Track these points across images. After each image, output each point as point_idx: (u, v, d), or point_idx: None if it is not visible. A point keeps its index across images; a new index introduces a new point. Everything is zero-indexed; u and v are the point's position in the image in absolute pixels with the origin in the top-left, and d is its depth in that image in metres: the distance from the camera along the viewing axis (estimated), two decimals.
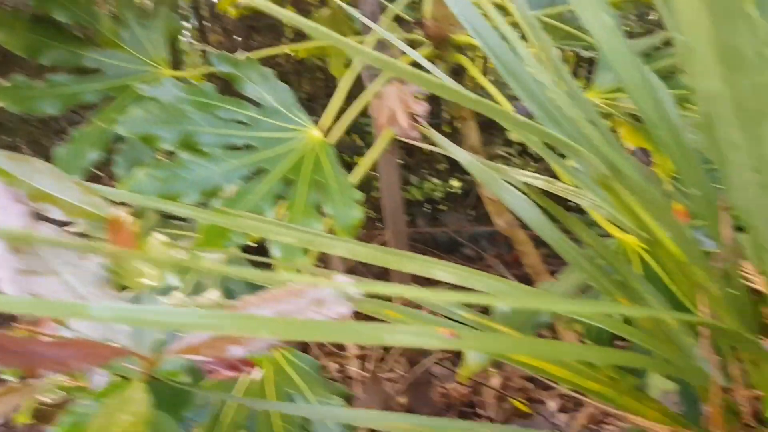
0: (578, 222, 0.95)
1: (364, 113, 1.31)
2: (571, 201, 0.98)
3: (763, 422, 0.68)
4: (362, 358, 2.06)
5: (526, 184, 0.99)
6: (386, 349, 2.23)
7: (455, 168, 3.10)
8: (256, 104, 1.23)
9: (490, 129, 2.77)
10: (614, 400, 0.73)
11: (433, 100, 1.63)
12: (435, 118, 2.81)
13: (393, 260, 0.78)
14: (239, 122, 1.20)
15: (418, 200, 2.97)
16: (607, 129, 0.84)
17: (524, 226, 2.03)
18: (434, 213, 3.27)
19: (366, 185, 1.76)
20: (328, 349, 2.26)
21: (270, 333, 0.37)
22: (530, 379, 2.13)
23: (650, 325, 0.83)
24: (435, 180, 3.15)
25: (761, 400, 0.67)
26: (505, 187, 0.98)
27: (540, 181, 0.98)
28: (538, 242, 2.12)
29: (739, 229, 0.63)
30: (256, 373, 1.03)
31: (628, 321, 0.85)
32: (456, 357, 2.38)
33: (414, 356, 1.96)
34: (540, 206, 0.93)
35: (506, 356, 0.76)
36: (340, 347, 2.21)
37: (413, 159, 3.06)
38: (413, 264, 0.77)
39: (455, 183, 3.27)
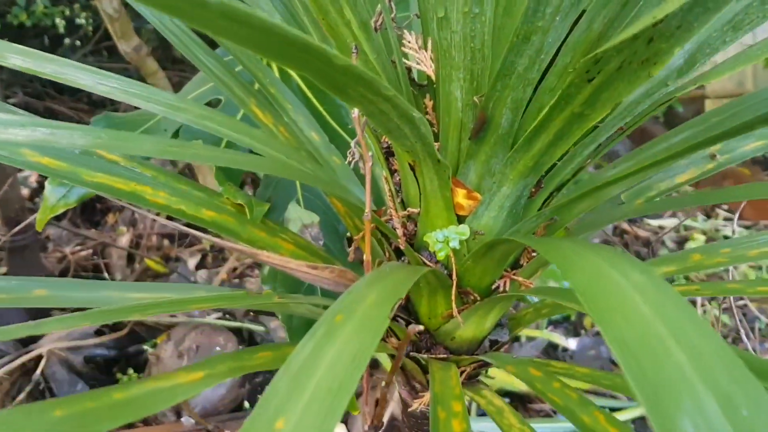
0: None
1: None
2: None
3: (413, 246, 0.56)
4: None
5: None
6: None
7: None
8: None
9: None
10: (238, 232, 0.54)
11: None
12: None
13: None
14: None
15: (26, 26, 2.36)
16: None
17: (155, 54, 1.71)
18: (53, 48, 2.68)
19: None
20: None
21: None
22: (167, 236, 1.90)
23: (293, 141, 0.65)
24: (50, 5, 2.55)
25: (415, 220, 0.54)
26: None
27: None
28: (174, 80, 1.79)
29: None
30: None
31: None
32: (81, 217, 2.02)
33: (17, 217, 1.56)
34: None
35: (97, 183, 0.51)
36: None
37: None
38: None
39: (80, 12, 2.70)
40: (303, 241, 0.60)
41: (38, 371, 1.32)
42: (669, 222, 2.32)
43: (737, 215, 0.84)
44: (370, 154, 0.42)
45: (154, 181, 0.51)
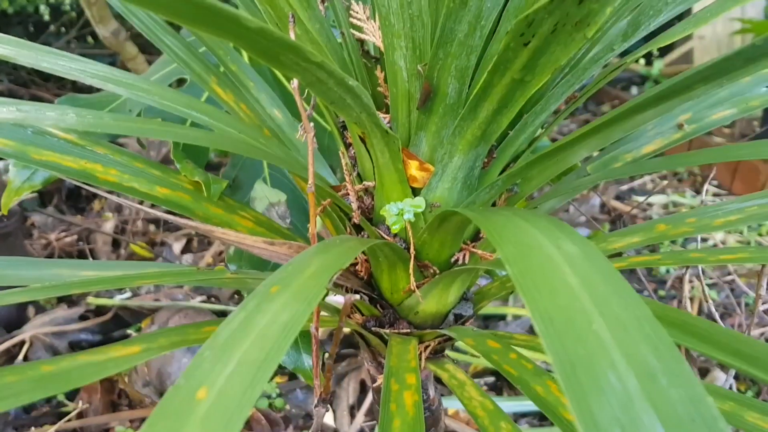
0: None
1: None
2: None
3: (372, 221, 0.55)
4: None
5: None
6: None
7: None
8: None
9: None
10: (193, 209, 0.53)
11: None
12: None
13: None
14: None
15: (9, 14, 2.35)
16: None
17: (137, 39, 1.69)
18: (37, 34, 2.66)
19: None
20: None
21: None
22: (153, 221, 1.90)
23: (255, 119, 0.64)
24: None
25: (372, 193, 0.53)
26: None
27: None
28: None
29: None
30: None
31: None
32: (67, 203, 2.01)
33: None
34: None
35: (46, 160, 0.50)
36: None
37: None
38: None
39: None
40: (264, 218, 0.59)
41: (20, 357, 1.32)
42: (658, 199, 2.32)
43: (706, 181, 0.84)
44: (311, 124, 0.41)
45: (105, 158, 0.51)
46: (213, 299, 1.58)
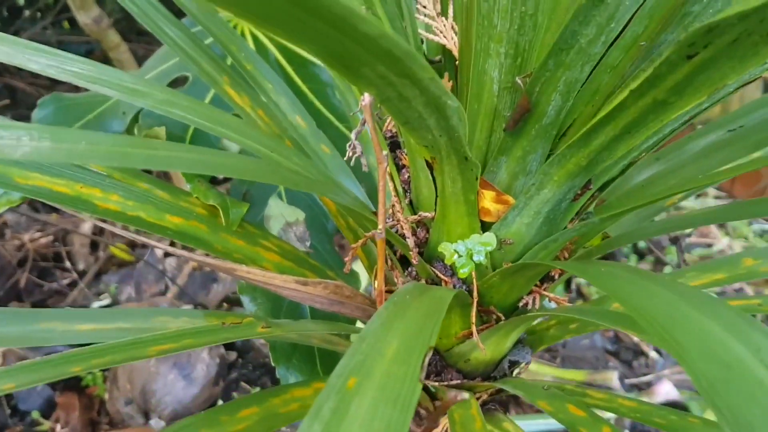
0: None
1: None
2: None
3: (424, 255, 0.46)
4: None
5: None
6: None
7: None
8: None
9: None
10: (211, 242, 0.44)
11: None
12: None
13: None
14: None
15: None
16: None
17: (118, 26, 1.57)
18: (11, 20, 2.51)
19: None
20: None
21: None
22: None
23: (274, 127, 0.55)
24: None
25: (427, 225, 0.45)
26: None
27: None
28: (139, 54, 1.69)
29: None
30: None
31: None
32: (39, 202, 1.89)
33: None
34: None
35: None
36: None
37: None
38: None
39: None
40: (288, 247, 0.50)
41: None
42: None
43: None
44: (384, 153, 0.32)
45: (104, 180, 0.41)
46: (199, 307, 1.48)
